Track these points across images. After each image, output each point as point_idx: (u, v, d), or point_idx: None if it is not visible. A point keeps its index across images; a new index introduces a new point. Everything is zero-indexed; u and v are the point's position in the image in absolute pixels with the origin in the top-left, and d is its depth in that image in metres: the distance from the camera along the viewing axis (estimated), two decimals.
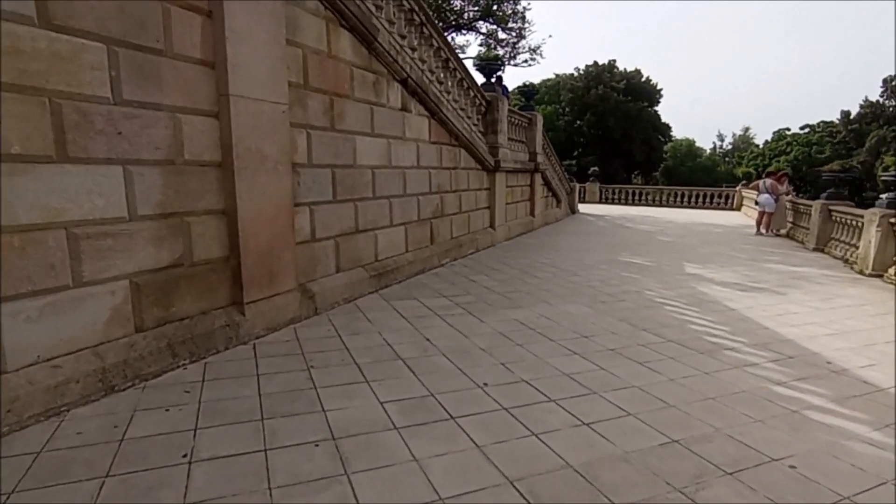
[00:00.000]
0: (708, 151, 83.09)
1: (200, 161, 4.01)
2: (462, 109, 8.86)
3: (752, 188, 14.60)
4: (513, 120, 11.73)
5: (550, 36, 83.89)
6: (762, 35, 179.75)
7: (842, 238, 10.31)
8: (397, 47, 6.48)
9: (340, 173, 5.69)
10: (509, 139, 11.41)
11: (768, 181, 14.01)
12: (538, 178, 13.55)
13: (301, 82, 5.04)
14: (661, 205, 24.30)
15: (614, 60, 61.30)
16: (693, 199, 23.86)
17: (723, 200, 23.30)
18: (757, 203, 14.42)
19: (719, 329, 5.07)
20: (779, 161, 67.61)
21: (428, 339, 4.55)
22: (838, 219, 10.61)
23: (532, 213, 13.34)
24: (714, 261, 9.31)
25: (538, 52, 24.31)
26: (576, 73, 60.76)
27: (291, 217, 4.85)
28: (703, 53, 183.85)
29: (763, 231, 14.09)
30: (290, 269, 4.85)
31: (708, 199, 23.57)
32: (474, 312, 5.43)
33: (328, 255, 5.57)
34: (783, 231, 13.96)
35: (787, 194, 14.24)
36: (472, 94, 9.24)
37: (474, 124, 9.44)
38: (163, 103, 3.70)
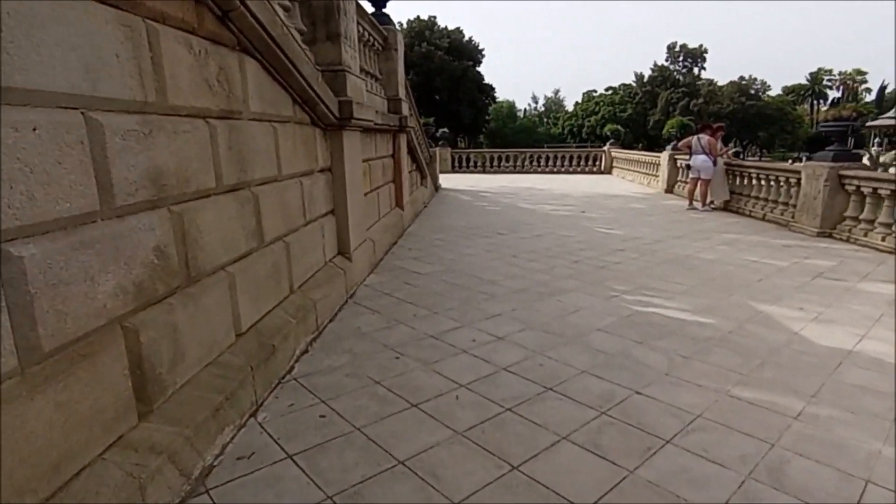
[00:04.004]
0: (524, 113, 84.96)
1: None
2: None
3: (684, 147, 11.01)
4: (361, 34, 6.00)
5: None
6: (568, 3, 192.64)
7: (880, 219, 6.76)
8: None
9: None
10: (361, 70, 5.71)
11: (704, 138, 10.36)
12: (405, 141, 8.06)
13: None
14: (522, 171, 20.48)
15: (435, 17, 57.43)
16: (560, 162, 20.44)
17: (591, 162, 20.24)
18: (689, 167, 10.76)
19: None
20: (590, 120, 71.05)
21: None
22: (862, 189, 7.06)
23: (399, 204, 7.86)
24: (774, 284, 4.93)
25: None
26: (399, 29, 55.35)
27: None
28: (516, 16, 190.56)
29: (698, 205, 10.52)
30: None
31: (576, 162, 20.33)
32: None
33: None
34: (718, 202, 10.57)
35: (723, 155, 10.79)
36: None
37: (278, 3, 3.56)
38: None
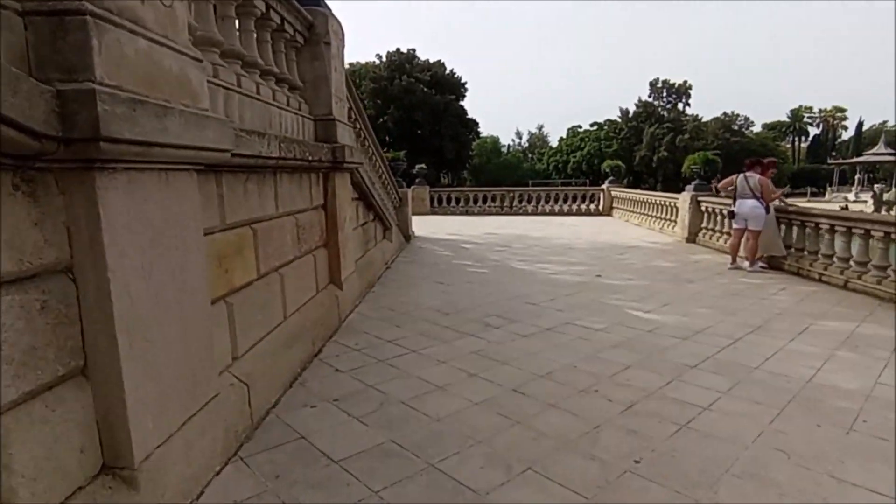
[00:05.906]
0: (507, 149, 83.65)
1: None
2: None
3: (725, 186, 8.52)
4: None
5: None
6: (551, 39, 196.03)
7: None
8: None
9: None
10: (237, 57, 3.08)
11: (754, 177, 7.87)
12: (345, 184, 5.37)
13: None
14: (510, 212, 17.97)
15: (414, 50, 55.97)
16: (552, 202, 17.99)
17: (588, 202, 17.84)
18: (732, 215, 8.23)
19: None
20: (575, 156, 69.64)
21: None
22: None
23: (336, 280, 5.11)
24: None
25: None
26: (377, 62, 53.67)
27: None
28: (498, 51, 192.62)
29: (747, 264, 7.98)
30: None
31: (570, 201, 17.90)
32: None
33: None
34: (760, 257, 8.10)
35: (778, 199, 8.28)
36: None
37: None
38: None
